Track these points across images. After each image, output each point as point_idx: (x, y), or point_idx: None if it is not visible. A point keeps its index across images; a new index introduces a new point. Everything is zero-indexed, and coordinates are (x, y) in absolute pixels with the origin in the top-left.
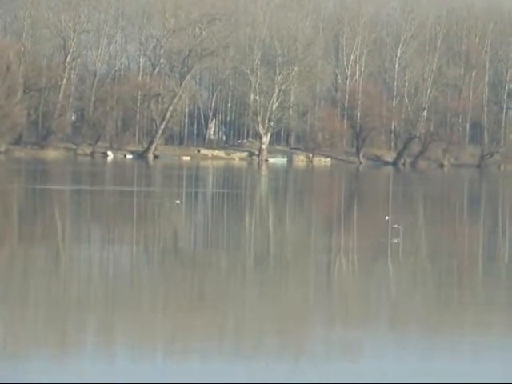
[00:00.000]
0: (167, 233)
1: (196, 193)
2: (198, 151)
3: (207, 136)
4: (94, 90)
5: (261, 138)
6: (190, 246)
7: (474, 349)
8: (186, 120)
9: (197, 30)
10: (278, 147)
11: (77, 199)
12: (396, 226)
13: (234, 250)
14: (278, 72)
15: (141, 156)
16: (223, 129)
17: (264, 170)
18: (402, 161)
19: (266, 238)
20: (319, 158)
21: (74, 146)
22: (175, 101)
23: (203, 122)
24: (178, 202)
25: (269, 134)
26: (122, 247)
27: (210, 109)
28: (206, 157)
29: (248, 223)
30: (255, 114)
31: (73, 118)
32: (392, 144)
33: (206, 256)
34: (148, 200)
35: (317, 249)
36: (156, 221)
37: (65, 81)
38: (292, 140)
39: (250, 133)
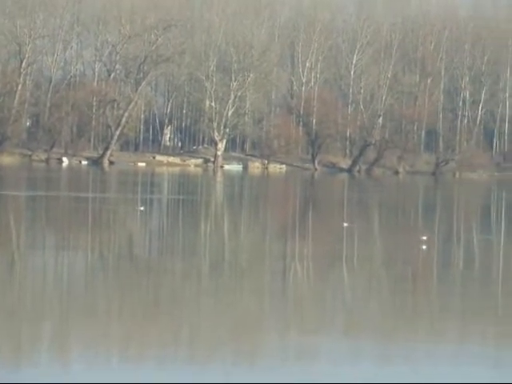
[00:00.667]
0: (122, 239)
1: (151, 199)
2: (154, 157)
3: (162, 142)
4: (49, 95)
5: (216, 144)
6: (147, 252)
7: (428, 355)
8: (142, 126)
9: (152, 36)
10: (234, 154)
11: (32, 205)
12: (346, 223)
13: (190, 256)
14: (233, 78)
15: (96, 162)
16: (178, 135)
17: (219, 177)
18: (357, 168)
19: (221, 245)
20: (274, 165)
21: (29, 152)
22: (131, 107)
23: (159, 129)
24: (141, 208)
25: (224, 141)
26: (77, 254)
27: (166, 115)
28: (161, 163)
29: (204, 230)
30: (211, 120)
31: (28, 123)
32: (347, 151)
33: (162, 262)
34: (104, 206)
35: (272, 255)
36: (112, 227)
37: (20, 86)
38: (247, 147)
39: (206, 139)
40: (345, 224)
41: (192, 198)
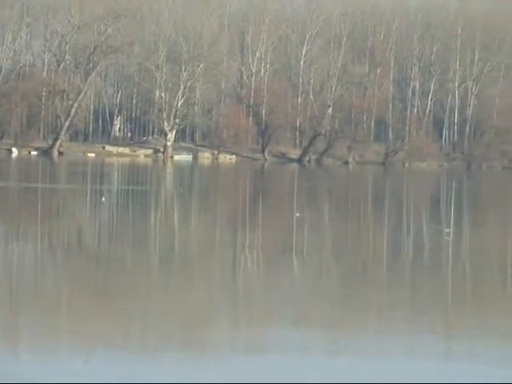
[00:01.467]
0: (70, 230)
1: (101, 190)
2: (103, 148)
3: (112, 133)
4: None
5: (166, 134)
6: (96, 242)
7: (378, 347)
8: (91, 117)
9: (102, 26)
10: (184, 144)
11: None
12: (298, 214)
13: (139, 247)
14: (183, 69)
15: (46, 152)
16: (128, 125)
17: (169, 167)
18: (307, 158)
19: (171, 236)
20: (224, 155)
21: None
22: (80, 97)
23: (108, 119)
24: (103, 199)
25: (174, 131)
26: (27, 244)
27: (115, 105)
28: (111, 154)
29: (154, 221)
30: (160, 110)
31: None
32: (297, 141)
33: (112, 253)
34: (54, 196)
35: (222, 245)
36: (62, 218)
37: None
38: (197, 137)
39: (156, 130)
40: (296, 214)
41: (142, 189)
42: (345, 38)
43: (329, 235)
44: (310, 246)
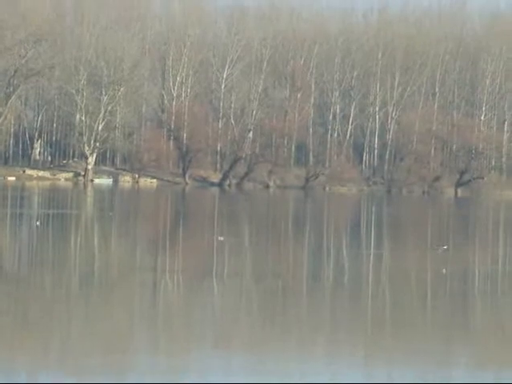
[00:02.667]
0: None
1: (21, 214)
2: (24, 171)
3: (32, 156)
4: None
5: (86, 158)
6: (15, 266)
7: (298, 367)
8: (11, 140)
9: (23, 50)
10: (104, 168)
11: None
12: (222, 237)
13: (59, 271)
14: (104, 92)
15: None
16: (49, 149)
17: (89, 191)
18: (228, 182)
19: (91, 260)
20: (145, 179)
21: None
22: (0, 121)
23: (28, 142)
24: (38, 223)
25: (94, 155)
26: None
27: (36, 129)
28: (31, 177)
29: (73, 245)
30: (81, 134)
31: None
32: (218, 165)
33: (31, 276)
34: None
35: (143, 269)
36: None
37: None
38: (118, 161)
39: (76, 153)
40: (220, 238)
41: (62, 213)
42: (265, 62)
43: (250, 259)
44: (230, 269)
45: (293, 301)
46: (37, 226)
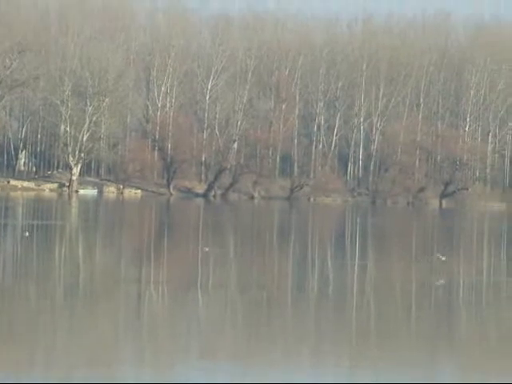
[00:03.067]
0: None
1: (5, 224)
2: (8, 182)
3: (17, 167)
4: None
5: (71, 169)
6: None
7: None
8: None
9: (7, 60)
10: (89, 178)
11: None
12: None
13: (42, 282)
14: (88, 103)
15: None
16: (33, 160)
17: (74, 202)
18: (213, 193)
19: (75, 271)
20: (130, 190)
21: None
22: None
23: (13, 153)
24: (26, 233)
25: (79, 165)
26: None
27: (20, 139)
28: (15, 188)
29: (58, 256)
30: (65, 145)
31: None
32: (203, 176)
33: (15, 286)
34: None
35: (127, 280)
36: None
37: None
38: (103, 171)
39: (61, 164)
40: (205, 249)
41: (47, 224)
42: (250, 73)
43: (235, 270)
44: (216, 280)
45: (278, 312)
46: (26, 236)
